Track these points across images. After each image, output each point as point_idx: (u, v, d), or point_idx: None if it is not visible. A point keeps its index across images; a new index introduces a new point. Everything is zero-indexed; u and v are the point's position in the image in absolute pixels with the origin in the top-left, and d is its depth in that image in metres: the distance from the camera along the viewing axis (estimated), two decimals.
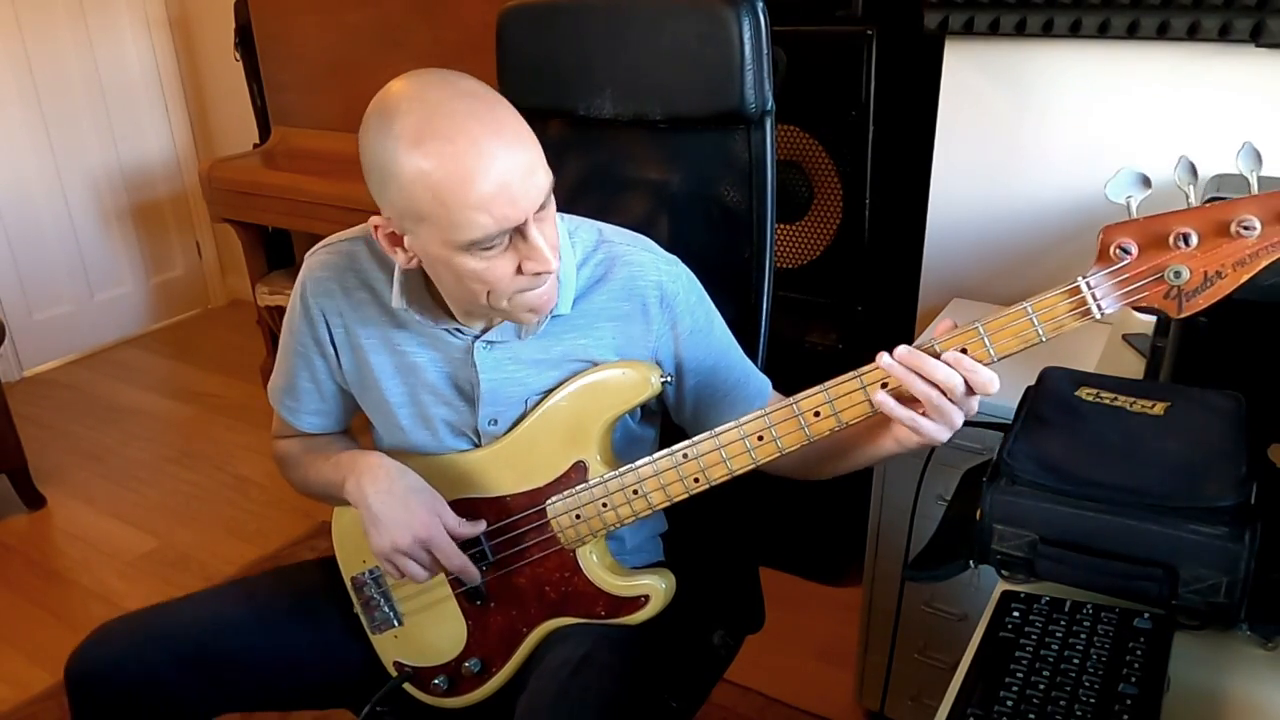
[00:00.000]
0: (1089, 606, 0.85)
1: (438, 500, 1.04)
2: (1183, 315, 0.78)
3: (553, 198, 0.92)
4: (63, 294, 3.49)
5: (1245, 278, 0.76)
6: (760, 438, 0.94)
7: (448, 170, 0.84)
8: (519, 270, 0.91)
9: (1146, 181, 0.78)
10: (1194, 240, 0.76)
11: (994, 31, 1.57)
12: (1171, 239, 0.77)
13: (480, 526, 1.05)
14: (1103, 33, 1.49)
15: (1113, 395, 0.98)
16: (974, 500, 0.90)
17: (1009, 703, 0.75)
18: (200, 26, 3.57)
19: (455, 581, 1.09)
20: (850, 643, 1.81)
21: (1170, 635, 0.81)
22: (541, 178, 0.89)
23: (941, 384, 0.84)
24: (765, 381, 1.13)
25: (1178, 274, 0.77)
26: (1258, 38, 1.38)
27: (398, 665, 1.13)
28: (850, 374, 0.90)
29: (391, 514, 1.01)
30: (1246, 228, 0.74)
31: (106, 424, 3.03)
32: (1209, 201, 0.79)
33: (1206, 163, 1.51)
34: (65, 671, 1.05)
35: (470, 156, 0.84)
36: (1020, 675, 0.78)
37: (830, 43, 1.74)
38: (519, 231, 0.88)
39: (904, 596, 1.58)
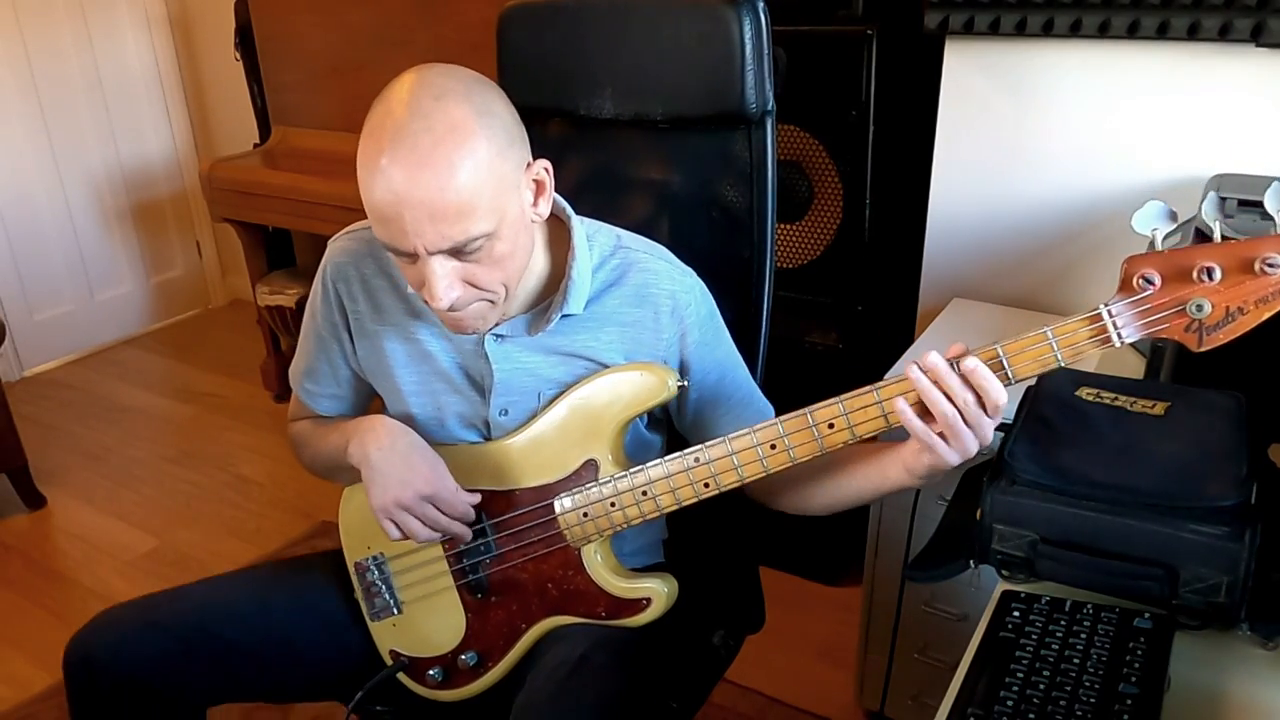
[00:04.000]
0: (1089, 606, 0.85)
1: (438, 460, 1.04)
2: (1203, 349, 0.78)
3: (496, 248, 0.91)
4: (63, 294, 3.48)
5: (1267, 315, 0.76)
6: (773, 446, 0.94)
7: (366, 172, 0.87)
8: (423, 285, 0.92)
9: (1173, 215, 0.78)
10: (1218, 275, 0.76)
11: (994, 31, 1.57)
12: (1195, 273, 0.77)
13: (474, 498, 1.06)
14: (1103, 33, 1.49)
15: (1113, 395, 0.98)
16: (974, 500, 0.91)
17: (1009, 703, 0.75)
18: (200, 26, 3.57)
19: (458, 572, 1.10)
20: (850, 643, 1.81)
21: (1170, 635, 0.81)
22: (456, 229, 0.87)
23: (956, 397, 0.84)
24: (768, 407, 1.12)
25: (1200, 307, 0.77)
26: (1258, 38, 1.38)
27: (394, 654, 1.14)
28: (866, 388, 0.90)
29: (393, 469, 1.02)
30: (1271, 265, 0.74)
31: (106, 424, 3.03)
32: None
33: (1207, 163, 1.52)
34: (64, 658, 1.05)
35: (381, 170, 0.85)
36: (1020, 675, 0.78)
37: (830, 43, 1.74)
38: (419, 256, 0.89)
39: (904, 596, 1.58)
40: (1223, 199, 1.23)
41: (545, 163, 0.97)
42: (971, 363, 0.83)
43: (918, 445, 0.89)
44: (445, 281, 0.90)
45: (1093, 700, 0.74)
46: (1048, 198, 1.69)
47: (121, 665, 1.04)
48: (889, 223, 1.89)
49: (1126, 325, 0.80)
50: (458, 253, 0.89)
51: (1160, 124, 1.55)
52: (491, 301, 0.96)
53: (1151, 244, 0.79)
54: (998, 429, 0.96)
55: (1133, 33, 1.46)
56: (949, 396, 0.84)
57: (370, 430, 1.05)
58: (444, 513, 1.03)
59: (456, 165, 0.85)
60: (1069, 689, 0.76)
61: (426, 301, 0.93)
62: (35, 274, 3.38)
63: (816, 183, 1.86)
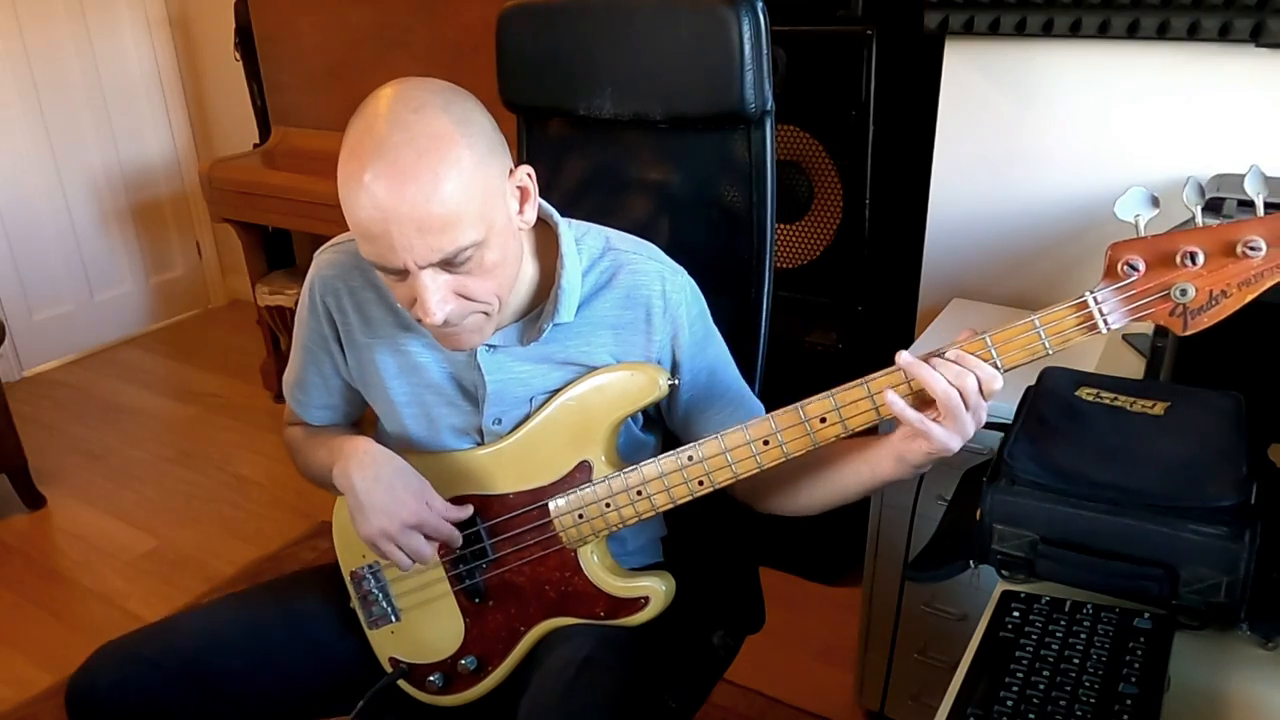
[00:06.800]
0: (1089, 606, 0.85)
1: (424, 485, 1.04)
2: (1188, 333, 0.79)
3: (486, 257, 0.90)
4: (63, 294, 3.49)
5: (1250, 297, 0.77)
6: (766, 442, 0.94)
7: (348, 190, 0.86)
8: (415, 302, 0.91)
9: (1155, 201, 0.78)
10: (1201, 259, 0.77)
11: (994, 31, 1.57)
12: (1178, 257, 0.77)
13: (467, 511, 1.05)
14: (1103, 33, 1.49)
15: (1113, 395, 0.98)
16: (974, 500, 0.91)
17: (1009, 703, 0.75)
18: (200, 26, 3.57)
19: (455, 578, 1.10)
20: (850, 643, 1.81)
21: (1170, 635, 0.81)
22: (445, 240, 0.86)
23: (954, 381, 0.84)
24: (759, 406, 1.11)
25: (1184, 292, 0.78)
26: (1258, 38, 1.38)
27: (393, 661, 1.13)
28: (856, 381, 0.90)
29: (377, 500, 1.01)
30: (1253, 248, 0.75)
31: (106, 424, 3.03)
32: (1210, 202, 0.79)
33: (1206, 162, 1.52)
34: (65, 698, 1.05)
35: (364, 188, 0.85)
36: (1020, 675, 0.78)
37: (830, 43, 1.74)
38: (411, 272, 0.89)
39: (904, 596, 1.58)
40: (1221, 199, 1.23)
41: (528, 168, 0.96)
42: (954, 353, 0.84)
43: (910, 432, 0.88)
44: (438, 296, 0.89)
45: (1093, 700, 0.74)
46: (1048, 198, 1.69)
47: (121, 704, 1.04)
48: (889, 223, 1.89)
49: (1112, 311, 0.80)
50: (448, 265, 0.88)
51: (1160, 124, 1.55)
52: (486, 313, 0.95)
53: (1136, 231, 0.79)
54: (998, 429, 0.96)
55: (1132, 33, 1.46)
56: (946, 379, 0.84)
57: (354, 456, 1.03)
58: (432, 536, 1.03)
59: (441, 176, 0.85)
60: (1069, 689, 0.76)
61: (420, 319, 0.92)
62: (35, 274, 3.38)
63: (816, 183, 1.86)
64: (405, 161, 0.84)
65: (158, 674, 1.05)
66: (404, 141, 0.84)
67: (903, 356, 0.86)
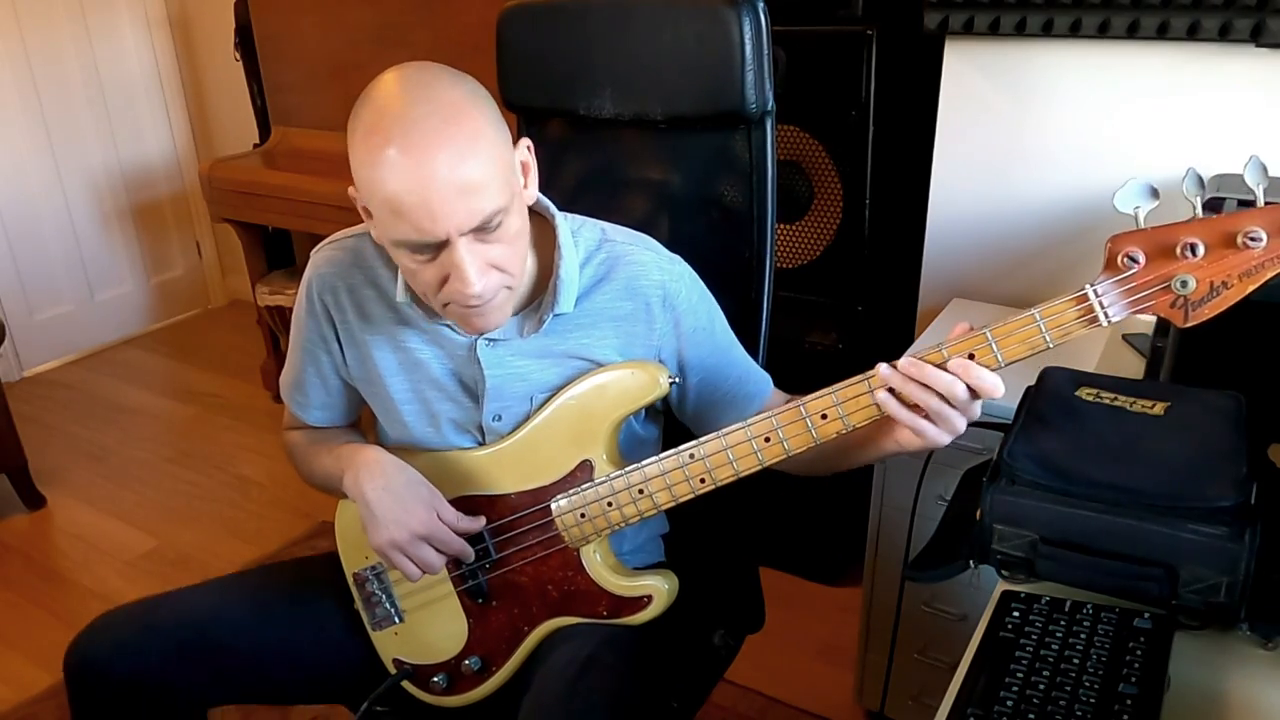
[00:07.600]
0: (1089, 606, 0.85)
1: (435, 495, 1.04)
2: (1188, 325, 0.79)
3: (511, 224, 0.91)
4: (63, 294, 3.49)
5: (1250, 288, 0.77)
6: (767, 439, 0.94)
7: (376, 169, 0.86)
8: (445, 281, 0.91)
9: (1155, 193, 0.78)
10: (1201, 251, 0.77)
11: (994, 31, 1.57)
12: (1179, 249, 0.77)
13: (480, 522, 1.06)
14: (1103, 33, 1.49)
15: (1113, 395, 0.98)
16: (974, 500, 0.91)
17: (1009, 703, 0.75)
18: (200, 26, 3.57)
19: (458, 578, 1.10)
20: (850, 643, 1.81)
21: (1170, 635, 0.81)
22: (483, 202, 0.87)
23: (943, 391, 0.85)
24: (765, 377, 1.13)
25: (1184, 283, 0.78)
26: (1258, 38, 1.38)
27: (397, 663, 1.14)
28: (858, 377, 0.90)
29: (388, 510, 1.01)
30: (1253, 239, 0.75)
31: (106, 424, 3.03)
32: (1210, 202, 0.79)
33: (1206, 163, 1.52)
34: (64, 662, 1.05)
35: (395, 161, 0.85)
36: (1020, 675, 0.78)
37: (830, 43, 1.74)
38: (447, 245, 0.89)
39: (904, 596, 1.58)
40: (1221, 199, 1.23)
41: (527, 141, 0.98)
42: (959, 363, 0.84)
43: (909, 429, 0.90)
44: (476, 265, 0.90)
45: (1093, 700, 0.74)
46: (1048, 198, 1.69)
47: (120, 669, 1.04)
48: (889, 223, 1.89)
49: (1113, 304, 0.80)
50: (482, 232, 0.89)
51: (1160, 124, 1.55)
52: (509, 287, 0.96)
53: (1136, 223, 0.79)
54: (998, 429, 0.96)
55: (1132, 33, 1.46)
56: (932, 389, 0.85)
57: (364, 465, 1.04)
58: (442, 550, 1.03)
59: (470, 139, 0.86)
60: (1069, 689, 0.76)
61: (456, 293, 0.91)
62: (35, 274, 3.38)
63: (816, 183, 1.86)
64: (432, 129, 0.85)
65: (160, 642, 1.05)
66: (428, 112, 0.86)
67: (882, 368, 0.87)
